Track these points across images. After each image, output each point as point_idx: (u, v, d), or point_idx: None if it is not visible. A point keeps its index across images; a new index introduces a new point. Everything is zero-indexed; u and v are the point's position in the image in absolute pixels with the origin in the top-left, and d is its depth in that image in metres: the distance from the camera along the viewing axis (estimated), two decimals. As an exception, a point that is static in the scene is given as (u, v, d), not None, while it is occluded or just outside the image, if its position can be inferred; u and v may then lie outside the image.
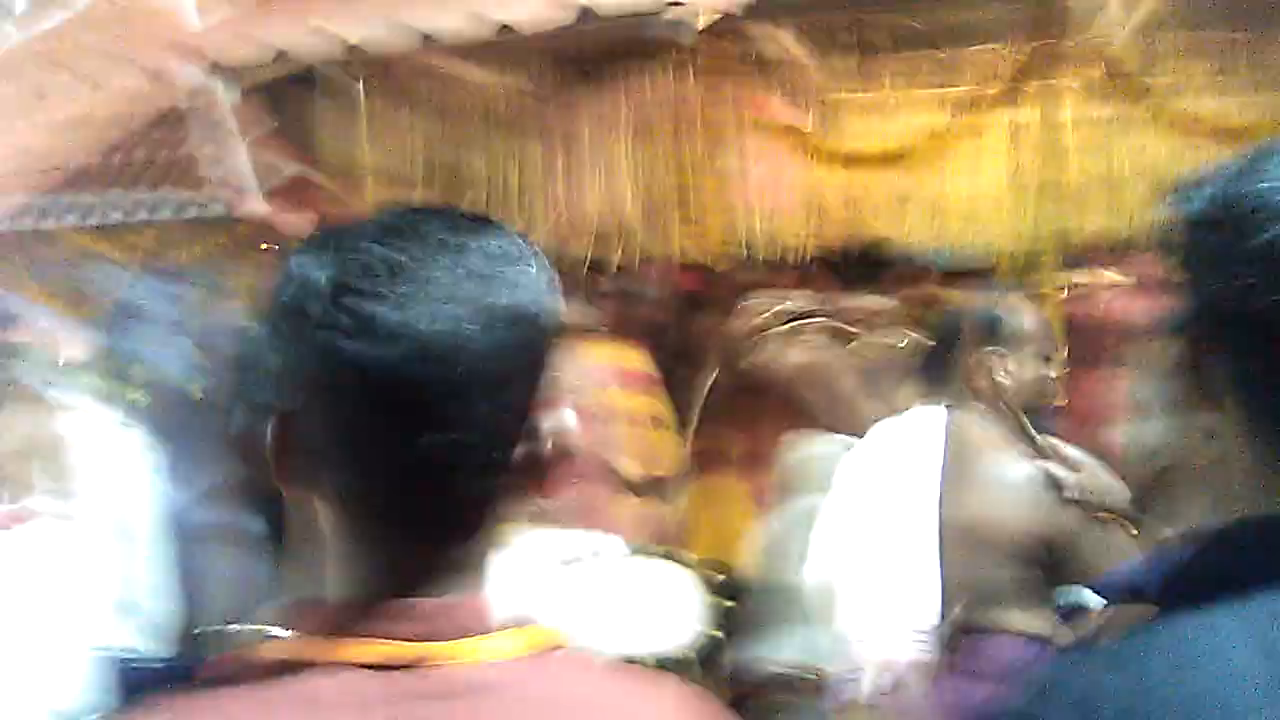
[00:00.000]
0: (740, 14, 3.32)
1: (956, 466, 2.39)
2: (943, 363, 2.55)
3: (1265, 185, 0.81)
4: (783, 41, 4.58)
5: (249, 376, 1.19)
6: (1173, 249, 0.89)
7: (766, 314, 4.54)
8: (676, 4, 3.28)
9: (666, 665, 1.50)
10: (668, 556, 1.77)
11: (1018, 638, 2.24)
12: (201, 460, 5.11)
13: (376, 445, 0.75)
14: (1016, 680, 0.94)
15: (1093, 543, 2.19)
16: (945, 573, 2.31)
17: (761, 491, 4.93)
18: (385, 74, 4.44)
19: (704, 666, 1.54)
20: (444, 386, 0.73)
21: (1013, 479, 2.32)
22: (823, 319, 4.27)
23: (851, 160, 4.23)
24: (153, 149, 5.25)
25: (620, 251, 4.93)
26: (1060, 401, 2.54)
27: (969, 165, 5.05)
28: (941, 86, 5.14)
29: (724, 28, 3.54)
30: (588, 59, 4.90)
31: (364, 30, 3.68)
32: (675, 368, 4.29)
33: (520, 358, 0.76)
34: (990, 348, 2.44)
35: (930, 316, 6.91)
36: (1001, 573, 2.28)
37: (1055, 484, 2.27)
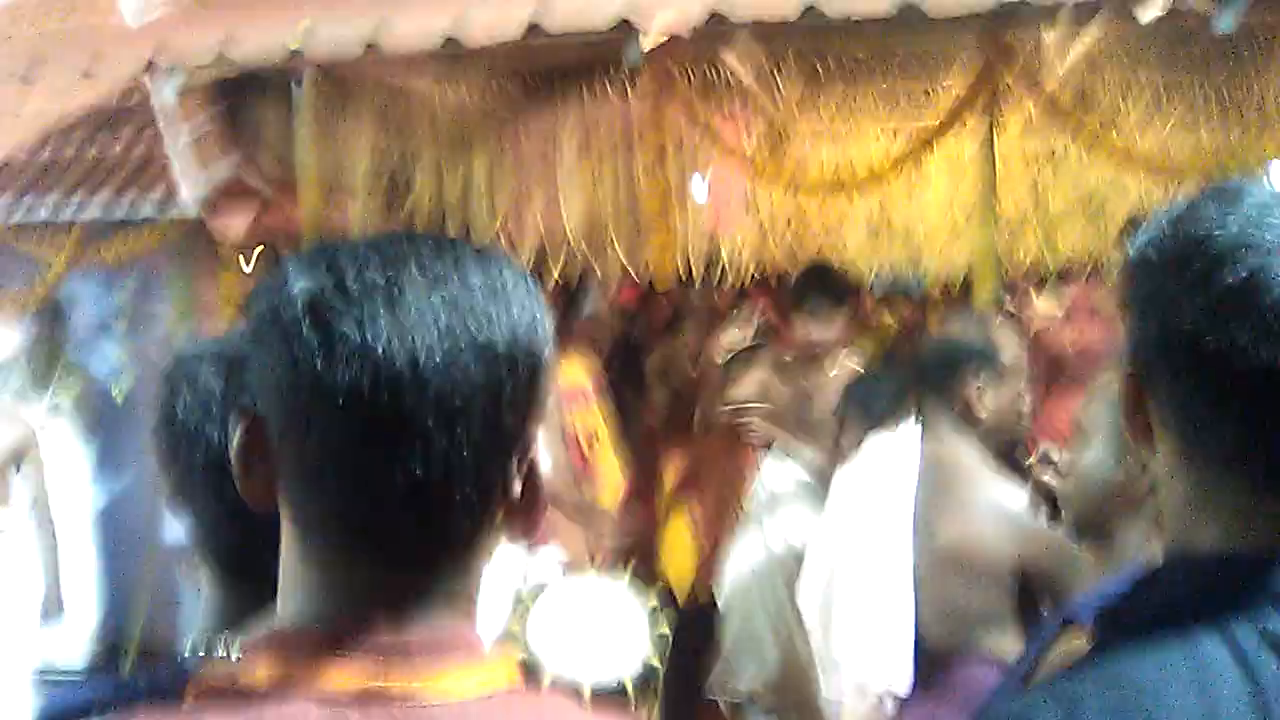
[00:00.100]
0: (689, 37, 3.32)
1: (937, 491, 2.40)
2: (926, 388, 2.57)
3: (1209, 231, 0.82)
4: (731, 65, 4.61)
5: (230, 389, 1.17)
6: (1119, 288, 0.90)
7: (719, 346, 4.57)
8: (626, 24, 3.28)
9: (608, 692, 1.48)
10: (607, 577, 1.75)
11: (990, 661, 2.26)
12: (129, 460, 5.01)
13: (331, 465, 0.73)
14: (979, 707, 0.94)
15: (1069, 567, 2.22)
16: (922, 596, 2.33)
17: (700, 510, 4.94)
18: (328, 79, 4.38)
19: (641, 692, 1.52)
20: (399, 413, 0.70)
21: (994, 504, 2.34)
22: (768, 349, 4.30)
23: (795, 184, 4.26)
24: (84, 146, 5.13)
25: (562, 266, 4.91)
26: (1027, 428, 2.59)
27: (910, 192, 5.14)
28: (885, 114, 5.22)
29: (672, 50, 3.55)
30: (536, 75, 4.88)
31: (305, 35, 3.62)
32: (615, 384, 4.28)
33: (489, 392, 0.72)
34: (974, 375, 2.46)
35: (870, 340, 7.01)
36: (978, 596, 2.29)
37: (1039, 506, 2.30)
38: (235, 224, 4.77)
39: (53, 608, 3.79)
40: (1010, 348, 2.57)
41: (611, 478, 4.02)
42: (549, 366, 0.77)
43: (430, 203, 4.95)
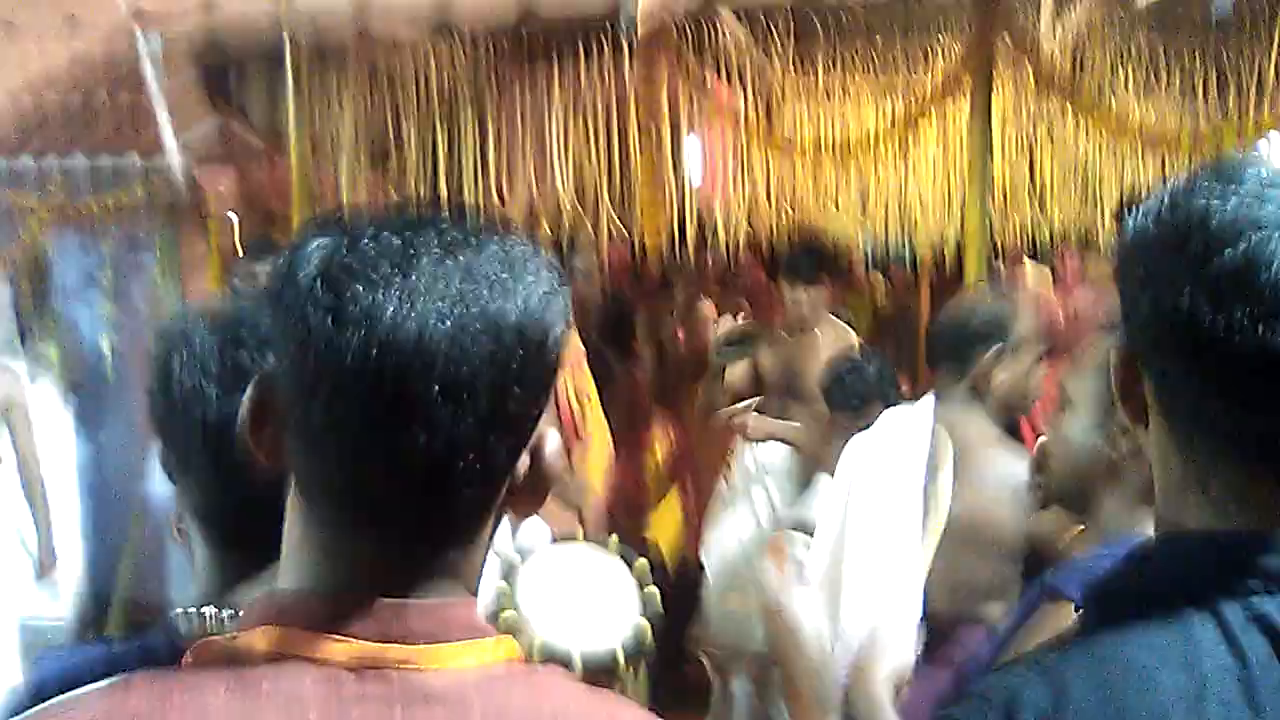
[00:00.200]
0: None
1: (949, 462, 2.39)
2: (938, 360, 2.54)
3: (1207, 209, 0.81)
4: (723, 28, 4.56)
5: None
6: (1115, 265, 0.89)
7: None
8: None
9: (598, 662, 1.49)
10: (596, 543, 1.75)
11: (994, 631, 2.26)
12: (115, 414, 5.00)
13: (334, 430, 0.72)
14: (968, 679, 0.94)
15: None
16: (930, 568, 2.33)
17: (688, 477, 4.96)
18: (317, 34, 4.32)
19: (632, 657, 1.53)
20: (403, 381, 0.70)
21: (1005, 477, 2.32)
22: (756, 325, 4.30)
23: (787, 148, 4.23)
24: (66, 97, 5.06)
25: (551, 229, 4.88)
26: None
27: (903, 158, 5.11)
28: (879, 77, 5.18)
29: (666, 12, 3.51)
30: (528, 37, 4.82)
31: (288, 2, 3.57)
32: (604, 344, 4.27)
33: (497, 367, 0.71)
34: (987, 344, 2.44)
35: (861, 307, 6.99)
36: (987, 569, 2.29)
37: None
38: (221, 179, 4.72)
39: (46, 564, 3.79)
40: (1026, 320, 2.54)
41: (600, 438, 4.01)
42: (561, 347, 0.76)
43: (419, 162, 4.91)
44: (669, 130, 4.85)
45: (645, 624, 1.61)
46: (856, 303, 7.06)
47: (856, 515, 2.45)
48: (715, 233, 5.03)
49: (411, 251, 0.72)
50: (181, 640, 1.03)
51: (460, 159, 4.93)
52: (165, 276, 4.92)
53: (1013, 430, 2.55)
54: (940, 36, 4.79)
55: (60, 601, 4.63)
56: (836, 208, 5.31)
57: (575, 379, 3.72)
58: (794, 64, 5.12)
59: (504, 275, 0.73)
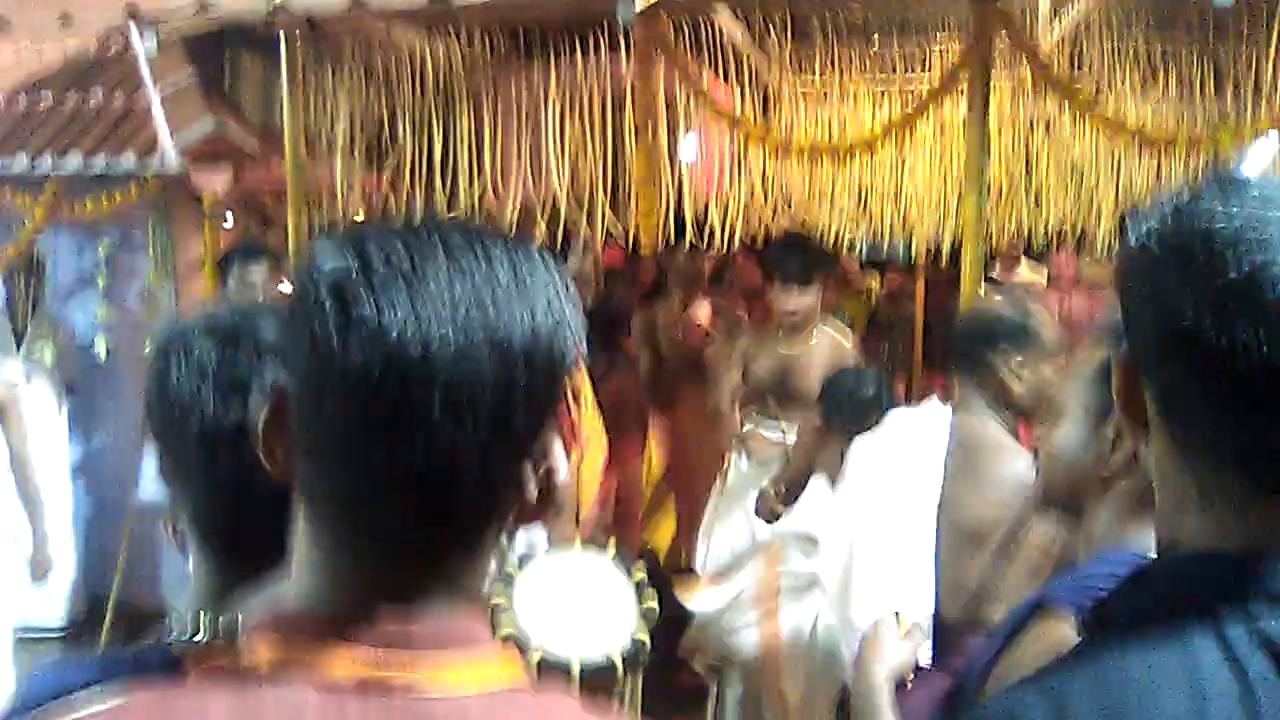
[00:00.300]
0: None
1: (963, 467, 2.39)
2: (958, 363, 2.54)
3: (1211, 224, 0.80)
4: (720, 26, 4.55)
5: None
6: (1118, 280, 0.88)
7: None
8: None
9: (596, 671, 1.48)
10: (593, 550, 1.74)
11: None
12: (109, 416, 4.98)
13: (338, 446, 0.72)
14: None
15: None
16: (942, 572, 2.32)
17: (680, 477, 4.95)
18: (312, 31, 4.31)
19: (630, 666, 1.52)
20: (406, 399, 0.69)
21: (1020, 481, 2.32)
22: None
23: (783, 147, 4.22)
24: (60, 96, 5.04)
25: (545, 225, 4.87)
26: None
27: (900, 156, 5.10)
28: (875, 78, 5.17)
29: (663, 9, 3.50)
30: (524, 32, 4.81)
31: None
32: (598, 345, 4.26)
33: (502, 388, 0.71)
34: (1007, 350, 2.43)
35: (854, 305, 6.98)
36: (997, 574, 2.29)
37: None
38: (216, 180, 4.70)
39: (41, 567, 3.77)
40: (1048, 324, 2.53)
41: (595, 438, 4.00)
42: (571, 365, 0.76)
43: (414, 159, 4.90)
44: (665, 129, 4.84)
45: (644, 633, 1.60)
46: (853, 303, 7.05)
47: (866, 515, 2.45)
48: (711, 233, 5.02)
49: (420, 264, 0.71)
50: (178, 649, 1.03)
51: (456, 157, 4.92)
52: (160, 277, 4.90)
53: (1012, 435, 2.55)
54: (938, 37, 4.79)
55: (55, 604, 4.62)
56: (833, 208, 5.31)
57: (569, 380, 3.71)
58: (792, 64, 5.12)
59: (513, 290, 0.73)
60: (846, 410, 3.08)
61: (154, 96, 4.47)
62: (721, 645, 3.82)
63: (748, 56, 4.86)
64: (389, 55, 4.75)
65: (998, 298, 3.39)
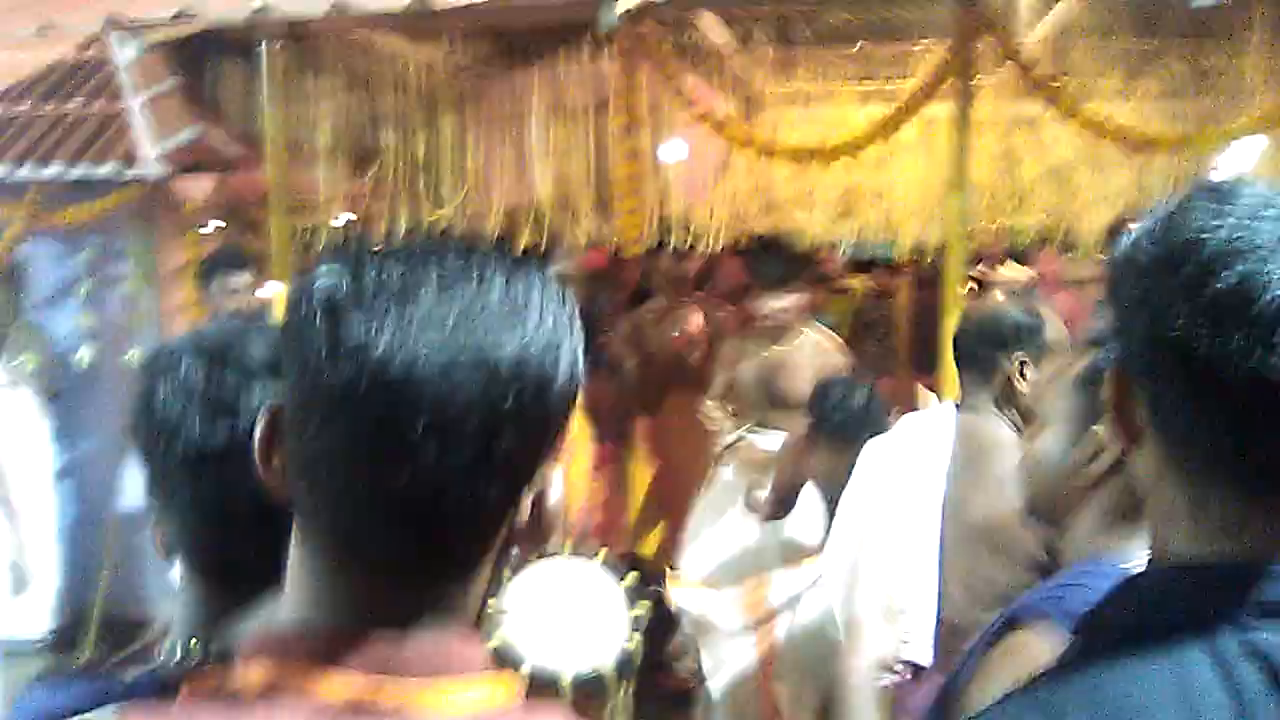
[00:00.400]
0: (663, 1, 3.27)
1: (969, 467, 2.39)
2: (964, 363, 2.54)
3: (1200, 233, 0.80)
4: (705, 30, 4.55)
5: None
6: (1109, 288, 0.88)
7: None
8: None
9: (588, 681, 1.47)
10: (580, 559, 1.73)
11: None
12: (91, 427, 4.95)
13: (325, 465, 0.72)
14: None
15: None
16: (947, 572, 2.32)
17: (665, 481, 4.94)
18: (293, 39, 4.28)
19: (620, 677, 1.51)
20: (390, 419, 0.69)
21: None
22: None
23: (768, 151, 4.23)
24: (41, 105, 5.01)
25: (530, 230, 4.86)
26: None
27: (883, 158, 5.11)
28: (859, 82, 5.18)
29: (647, 13, 3.49)
30: (508, 36, 4.80)
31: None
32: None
33: (488, 411, 0.70)
34: (1017, 353, 2.44)
35: (839, 305, 6.99)
36: (1006, 572, 2.29)
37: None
38: (198, 188, 4.68)
39: (20, 579, 3.75)
40: (1055, 323, 2.54)
41: (582, 446, 4.00)
42: (566, 394, 0.74)
43: (397, 164, 4.88)
44: (650, 134, 4.84)
45: (636, 644, 1.59)
46: (837, 304, 7.06)
47: (874, 518, 2.45)
48: (696, 236, 5.01)
49: (412, 286, 0.71)
50: (169, 673, 1.02)
51: (439, 162, 4.90)
52: (142, 285, 4.87)
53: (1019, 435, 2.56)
54: (920, 40, 4.79)
55: (39, 614, 4.59)
56: (817, 209, 5.31)
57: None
58: (776, 68, 5.12)
59: (505, 314, 0.72)
60: (836, 419, 3.09)
61: (135, 104, 4.44)
62: (712, 651, 3.81)
63: (731, 60, 4.86)
64: (371, 61, 4.73)
65: (1001, 298, 3.40)
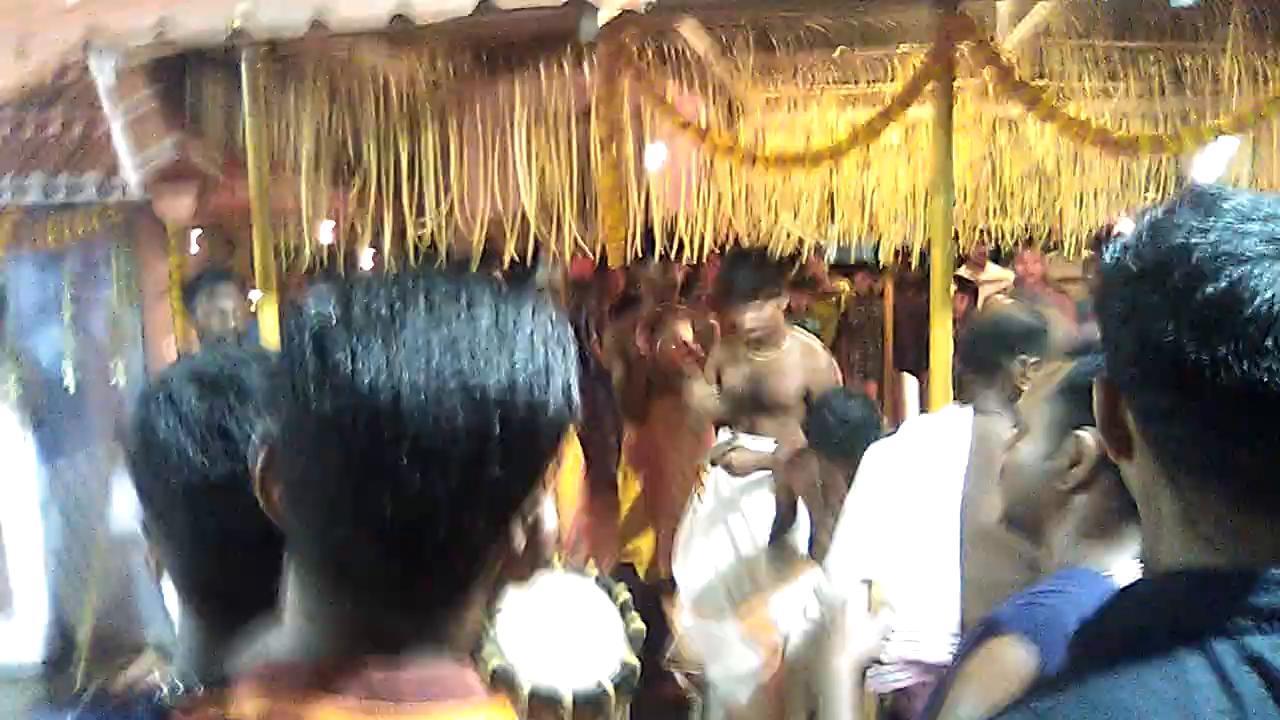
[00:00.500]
0: (644, 9, 3.27)
1: (982, 470, 2.39)
2: (972, 366, 2.55)
3: (1187, 240, 0.81)
4: (686, 37, 4.55)
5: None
6: (1097, 299, 0.88)
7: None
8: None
9: (587, 699, 1.46)
10: (575, 573, 1.72)
11: None
12: (76, 448, 4.91)
13: (315, 494, 0.72)
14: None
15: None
16: (964, 570, 2.32)
17: (654, 487, 4.93)
18: (273, 54, 4.27)
19: (621, 691, 1.50)
20: (376, 448, 0.69)
21: None
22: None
23: (751, 157, 4.23)
24: (19, 126, 4.98)
25: (513, 241, 4.85)
26: None
27: (867, 161, 5.13)
28: (841, 86, 5.20)
29: (627, 22, 3.50)
30: (488, 47, 4.80)
31: (245, 17, 3.52)
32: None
33: (475, 439, 0.70)
34: (1023, 356, 2.45)
35: (824, 308, 6.99)
36: (1020, 574, 2.29)
37: None
38: (180, 204, 4.65)
39: (3, 602, 3.72)
40: (1061, 326, 2.56)
41: (571, 456, 3.99)
42: (557, 421, 0.74)
43: (380, 178, 4.87)
44: (633, 142, 4.84)
45: (633, 657, 1.58)
46: (823, 307, 7.08)
47: (884, 519, 2.45)
48: (681, 243, 5.02)
49: (400, 313, 0.71)
50: (166, 704, 1.01)
51: (422, 175, 4.89)
52: (126, 304, 4.85)
53: None
54: (901, 45, 4.81)
55: (28, 640, 4.55)
56: (801, 214, 5.32)
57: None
58: (758, 74, 5.13)
59: (493, 342, 0.72)
60: (833, 435, 3.09)
61: (115, 122, 4.42)
62: (708, 658, 3.81)
63: (714, 67, 4.87)
64: (352, 75, 4.72)
65: (1008, 302, 3.42)
